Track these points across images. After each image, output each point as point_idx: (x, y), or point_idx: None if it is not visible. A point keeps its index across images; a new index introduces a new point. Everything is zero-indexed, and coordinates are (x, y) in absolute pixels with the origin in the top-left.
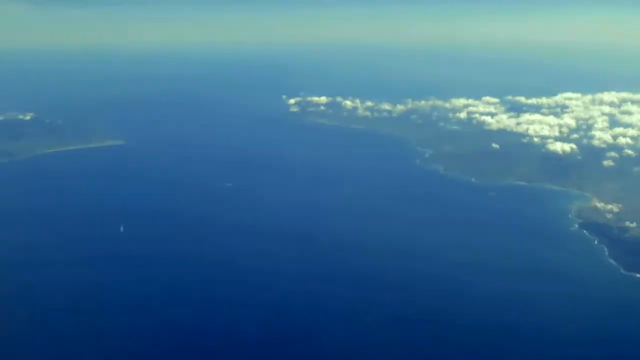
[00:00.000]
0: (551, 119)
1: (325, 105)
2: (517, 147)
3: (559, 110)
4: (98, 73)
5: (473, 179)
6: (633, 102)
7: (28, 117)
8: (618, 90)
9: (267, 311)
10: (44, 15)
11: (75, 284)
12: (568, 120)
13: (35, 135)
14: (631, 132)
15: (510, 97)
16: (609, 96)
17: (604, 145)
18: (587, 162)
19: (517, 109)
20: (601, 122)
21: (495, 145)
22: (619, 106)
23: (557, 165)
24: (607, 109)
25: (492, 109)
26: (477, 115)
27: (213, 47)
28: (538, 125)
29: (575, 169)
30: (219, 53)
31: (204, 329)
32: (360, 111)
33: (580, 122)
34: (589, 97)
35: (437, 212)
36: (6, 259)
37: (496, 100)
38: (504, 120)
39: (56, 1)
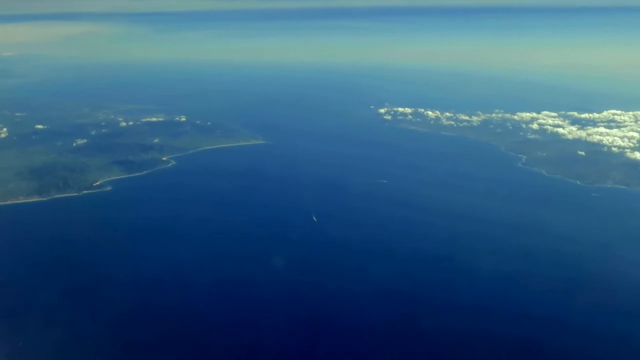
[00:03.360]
0: (616, 132)
1: (411, 114)
2: (600, 154)
3: (614, 124)
4: (223, 83)
5: (578, 182)
6: None
7: (183, 119)
8: None
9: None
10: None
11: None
12: (633, 133)
13: (192, 133)
14: None
15: (563, 112)
16: None
17: None
18: None
19: (577, 122)
20: None
21: (581, 153)
22: None
23: None
24: None
25: (558, 122)
26: (548, 126)
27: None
28: (609, 137)
29: None
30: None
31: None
32: (443, 120)
33: None
34: (630, 113)
35: (563, 211)
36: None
37: (554, 114)
38: (575, 132)
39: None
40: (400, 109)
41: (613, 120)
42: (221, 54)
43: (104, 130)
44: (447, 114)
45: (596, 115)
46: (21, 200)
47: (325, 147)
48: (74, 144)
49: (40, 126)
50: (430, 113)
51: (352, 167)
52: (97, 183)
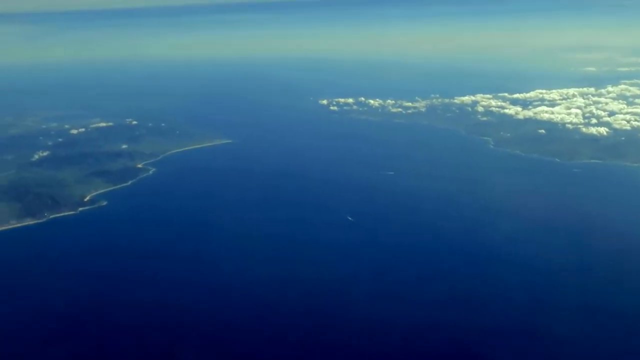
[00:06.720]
0: (559, 109)
1: (355, 104)
2: (559, 132)
3: (547, 103)
4: (146, 83)
5: (557, 159)
6: (593, 95)
7: (134, 123)
8: (568, 87)
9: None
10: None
11: None
12: (575, 110)
13: (151, 137)
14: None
15: (494, 94)
16: (569, 91)
17: (627, 128)
18: (632, 141)
19: (515, 103)
20: (596, 111)
21: (541, 131)
22: (586, 98)
23: (610, 145)
24: (582, 100)
25: (499, 103)
26: (493, 108)
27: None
28: (556, 115)
29: (628, 147)
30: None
31: None
32: (390, 108)
33: (583, 111)
34: (554, 91)
35: (557, 187)
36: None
37: (489, 95)
38: (522, 112)
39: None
40: (342, 100)
41: (543, 99)
42: (131, 51)
43: (60, 140)
44: (390, 101)
45: (526, 95)
46: (14, 224)
47: (297, 142)
48: (36, 157)
49: None
50: (372, 102)
51: (342, 160)
52: (87, 198)
